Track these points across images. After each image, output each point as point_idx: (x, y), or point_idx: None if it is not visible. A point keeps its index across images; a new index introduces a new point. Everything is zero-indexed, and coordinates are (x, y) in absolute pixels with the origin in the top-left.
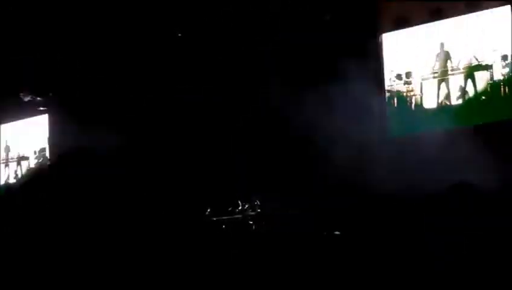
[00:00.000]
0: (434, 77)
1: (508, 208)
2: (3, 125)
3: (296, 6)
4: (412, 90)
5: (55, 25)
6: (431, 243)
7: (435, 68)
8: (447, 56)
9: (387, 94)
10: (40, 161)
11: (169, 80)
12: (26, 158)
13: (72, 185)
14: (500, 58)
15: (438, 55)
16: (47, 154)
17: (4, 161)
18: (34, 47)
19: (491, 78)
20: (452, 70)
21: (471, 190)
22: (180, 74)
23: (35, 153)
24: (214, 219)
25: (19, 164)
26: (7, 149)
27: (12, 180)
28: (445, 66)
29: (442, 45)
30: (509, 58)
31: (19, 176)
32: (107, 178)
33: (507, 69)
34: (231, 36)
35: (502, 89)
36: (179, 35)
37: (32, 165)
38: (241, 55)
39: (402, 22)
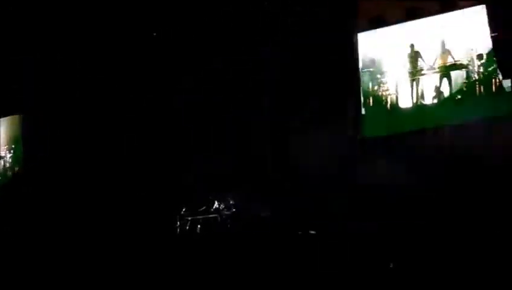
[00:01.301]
0: (409, 77)
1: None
2: None
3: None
4: (387, 90)
5: (36, 27)
6: (407, 244)
7: (409, 68)
8: (420, 56)
9: (362, 93)
10: (15, 159)
11: (145, 84)
12: (2, 157)
13: (46, 187)
14: (475, 57)
15: (411, 55)
16: (22, 153)
17: None
18: (11, 50)
19: (467, 77)
20: (427, 69)
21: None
22: (156, 79)
23: (10, 151)
24: (189, 218)
25: None
26: None
27: None
28: (419, 65)
29: (414, 45)
30: (485, 57)
31: None
32: (82, 179)
33: (482, 69)
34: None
35: (477, 88)
36: (154, 34)
37: (7, 164)
38: (225, 57)
39: (378, 22)
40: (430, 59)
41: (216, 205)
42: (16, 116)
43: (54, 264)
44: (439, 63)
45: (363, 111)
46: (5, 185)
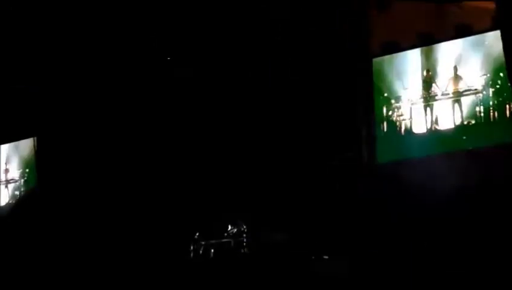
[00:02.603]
0: (423, 102)
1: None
2: None
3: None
4: (401, 115)
5: (49, 50)
6: (419, 269)
7: (423, 93)
8: (434, 81)
9: (376, 118)
10: (28, 183)
11: (157, 106)
12: (16, 181)
13: (60, 210)
14: (490, 83)
15: (425, 81)
16: (35, 176)
17: None
18: (21, 71)
19: (480, 103)
20: (441, 95)
21: None
22: (166, 99)
23: (23, 175)
24: (203, 242)
25: (6, 186)
26: None
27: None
28: (433, 91)
29: (430, 69)
30: (499, 82)
31: (7, 198)
32: (97, 202)
33: (497, 94)
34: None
35: (491, 113)
36: (168, 58)
37: (20, 188)
38: (234, 79)
39: (392, 47)
40: (444, 84)
41: (230, 229)
42: (29, 139)
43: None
44: (453, 88)
45: (377, 136)
46: (18, 208)
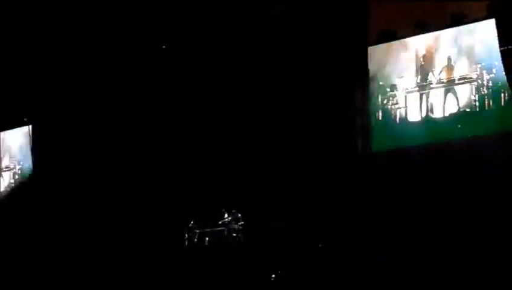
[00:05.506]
0: (418, 90)
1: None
2: None
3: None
4: (396, 103)
5: (46, 40)
6: (413, 259)
7: (418, 82)
8: (430, 70)
9: (372, 107)
10: (24, 170)
11: (152, 93)
12: (11, 169)
13: (55, 197)
14: (484, 71)
15: (421, 69)
16: (30, 164)
17: None
18: (17, 60)
19: (476, 91)
20: (436, 83)
21: None
22: (164, 89)
23: (18, 163)
24: (198, 230)
25: (1, 174)
26: None
27: None
28: (428, 79)
29: (425, 58)
30: (494, 71)
31: (2, 186)
32: (91, 189)
33: (491, 82)
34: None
35: (486, 102)
36: (163, 47)
37: (16, 176)
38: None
39: (388, 35)
40: (439, 73)
41: (224, 217)
42: (25, 128)
43: (61, 278)
44: (448, 76)
45: (372, 125)
46: (15, 196)
